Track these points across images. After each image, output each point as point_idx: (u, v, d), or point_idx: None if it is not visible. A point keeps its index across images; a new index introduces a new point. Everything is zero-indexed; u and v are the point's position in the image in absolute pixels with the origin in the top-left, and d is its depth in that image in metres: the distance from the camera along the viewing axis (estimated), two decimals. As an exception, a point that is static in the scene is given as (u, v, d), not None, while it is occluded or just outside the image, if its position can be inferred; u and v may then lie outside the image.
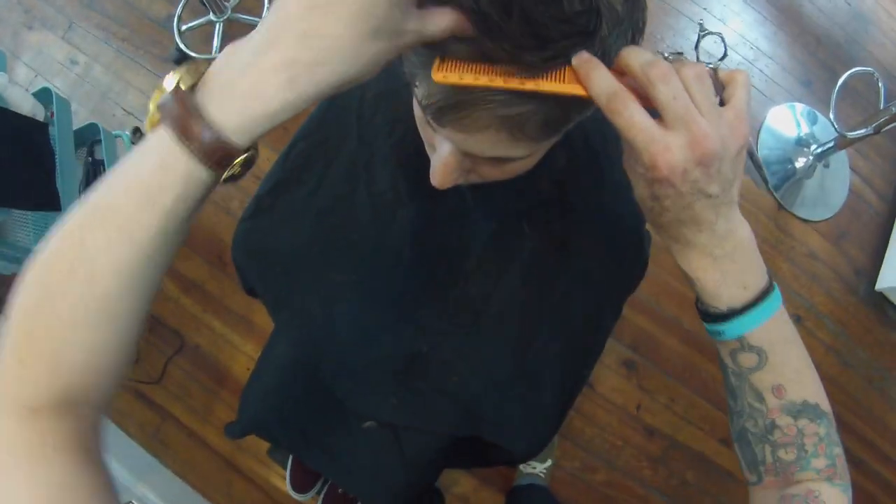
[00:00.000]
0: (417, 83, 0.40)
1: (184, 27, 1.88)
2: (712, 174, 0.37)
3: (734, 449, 0.51)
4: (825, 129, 1.94)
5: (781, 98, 1.94)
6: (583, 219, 0.64)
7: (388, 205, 0.65)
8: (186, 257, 1.73)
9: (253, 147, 0.34)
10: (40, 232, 1.61)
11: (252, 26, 1.89)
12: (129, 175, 0.34)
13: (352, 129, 0.67)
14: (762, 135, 1.90)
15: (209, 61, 0.34)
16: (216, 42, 1.84)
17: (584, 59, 0.36)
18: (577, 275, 0.65)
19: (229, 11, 1.82)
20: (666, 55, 0.39)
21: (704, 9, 1.97)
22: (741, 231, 0.41)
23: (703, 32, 0.38)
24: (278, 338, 0.74)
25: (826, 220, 1.91)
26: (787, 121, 1.95)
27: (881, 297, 1.88)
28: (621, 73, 0.37)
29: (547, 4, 0.32)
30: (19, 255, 1.42)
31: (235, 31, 1.90)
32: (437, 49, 0.36)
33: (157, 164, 0.33)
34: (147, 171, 0.33)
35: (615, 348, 1.71)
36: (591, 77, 0.36)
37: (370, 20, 0.31)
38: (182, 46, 1.86)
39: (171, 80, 0.33)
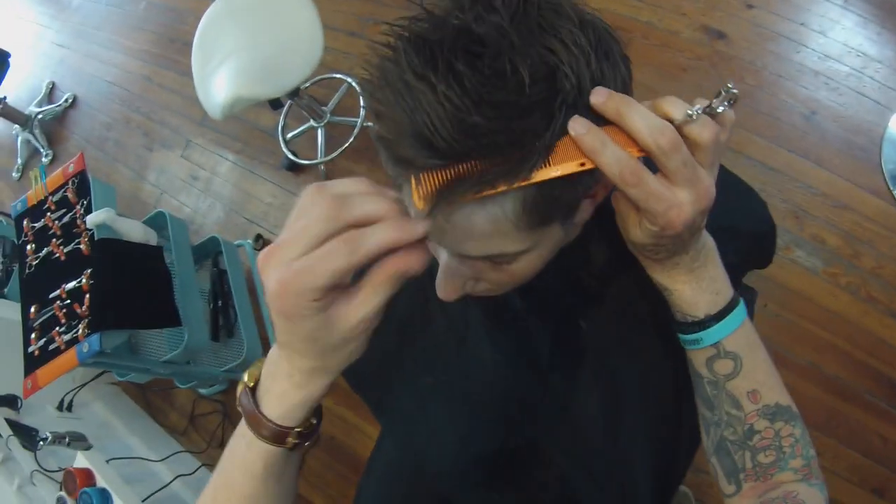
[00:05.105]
0: (408, 204, 0.40)
1: (289, 135, 2.03)
2: (707, 214, 0.42)
3: (710, 462, 0.53)
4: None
5: (900, 105, 1.78)
6: (633, 312, 0.63)
7: (456, 309, 0.67)
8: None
9: (312, 419, 0.45)
10: (172, 342, 1.70)
11: (351, 127, 2.01)
12: (234, 455, 0.46)
13: None
14: (884, 148, 1.75)
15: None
16: (320, 145, 1.95)
17: (586, 131, 0.36)
18: (645, 365, 0.63)
19: (328, 116, 1.94)
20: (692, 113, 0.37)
21: (801, 24, 1.87)
22: (708, 241, 0.47)
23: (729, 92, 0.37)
24: (384, 438, 0.78)
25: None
26: (910, 132, 1.78)
27: None
28: (599, 117, 0.37)
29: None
30: (150, 367, 1.51)
31: (338, 133, 1.99)
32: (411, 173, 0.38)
33: (245, 447, 0.45)
34: (241, 452, 0.45)
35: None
36: (598, 151, 0.36)
37: (325, 341, 0.38)
38: (289, 155, 2.00)
39: (246, 376, 0.44)
